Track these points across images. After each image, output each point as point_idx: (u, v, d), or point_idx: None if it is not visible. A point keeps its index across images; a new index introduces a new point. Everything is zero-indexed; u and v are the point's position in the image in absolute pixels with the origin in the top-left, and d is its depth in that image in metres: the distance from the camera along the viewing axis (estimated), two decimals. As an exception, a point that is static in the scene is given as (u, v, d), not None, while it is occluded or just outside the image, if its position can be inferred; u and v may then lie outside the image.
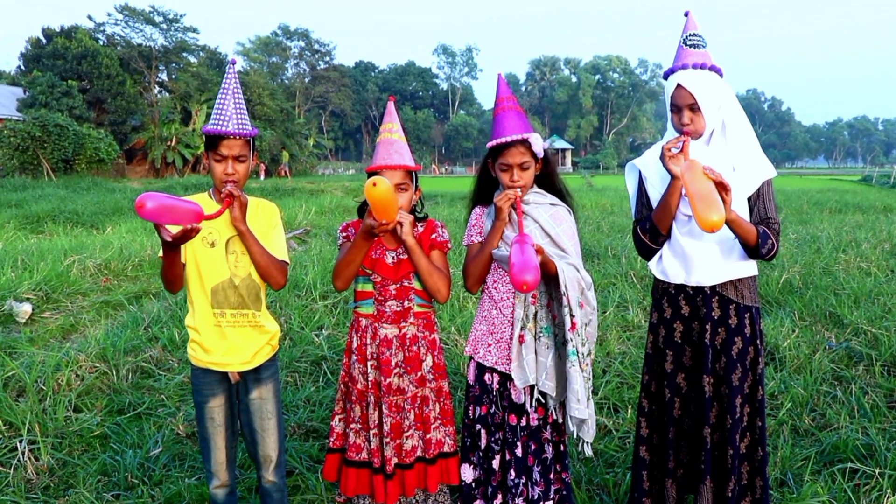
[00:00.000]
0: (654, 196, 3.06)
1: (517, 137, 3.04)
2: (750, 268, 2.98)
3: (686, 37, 2.90)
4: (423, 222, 3.23)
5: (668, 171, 2.81)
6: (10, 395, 4.92)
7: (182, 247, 2.86)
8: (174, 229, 2.63)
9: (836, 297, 7.68)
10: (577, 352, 3.04)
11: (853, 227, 14.55)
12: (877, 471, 3.88)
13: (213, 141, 2.88)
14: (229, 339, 2.99)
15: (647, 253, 3.09)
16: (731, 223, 2.76)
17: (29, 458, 4.12)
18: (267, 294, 3.14)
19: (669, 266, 3.02)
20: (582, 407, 3.03)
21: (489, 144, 3.13)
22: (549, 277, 3.08)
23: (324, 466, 3.33)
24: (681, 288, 3.01)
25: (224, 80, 2.93)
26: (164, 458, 4.19)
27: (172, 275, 2.88)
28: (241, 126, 2.88)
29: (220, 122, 2.85)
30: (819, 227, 14.56)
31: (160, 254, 2.82)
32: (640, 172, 3.16)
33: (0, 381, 5.08)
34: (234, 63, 3.01)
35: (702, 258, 2.93)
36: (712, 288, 2.95)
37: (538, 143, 3.08)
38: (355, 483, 3.18)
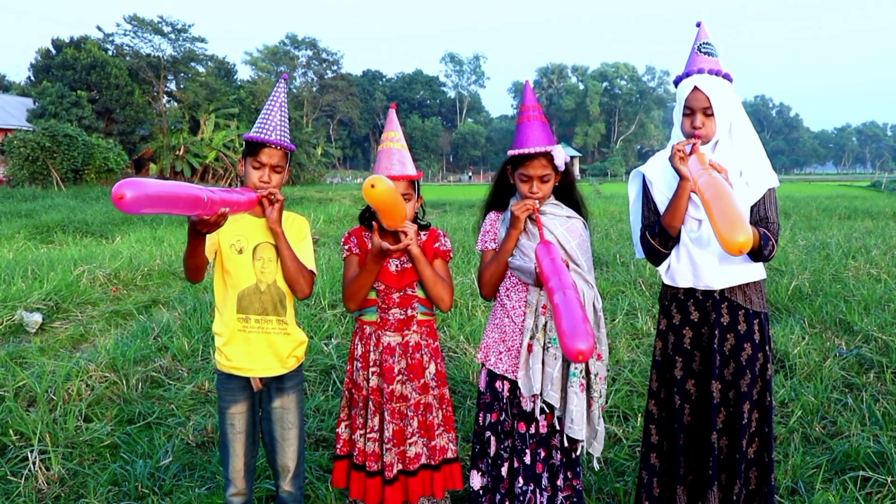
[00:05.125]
0: (661, 200, 3.07)
1: (540, 150, 3.03)
2: (758, 271, 2.99)
3: (700, 45, 2.95)
4: (426, 231, 3.25)
5: (678, 171, 2.82)
6: (21, 405, 4.94)
7: (209, 241, 2.90)
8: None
9: (846, 303, 7.65)
10: (580, 373, 3.05)
11: (863, 233, 14.50)
12: (889, 479, 3.86)
13: (254, 148, 2.96)
14: (253, 344, 3.02)
15: (657, 258, 3.09)
16: None
17: (40, 468, 4.12)
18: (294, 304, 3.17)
19: (678, 270, 3.02)
20: (577, 427, 3.04)
21: (511, 153, 3.12)
22: None
23: (333, 474, 3.34)
24: (690, 293, 3.02)
25: (273, 92, 3.06)
26: (174, 468, 4.19)
27: (194, 264, 2.91)
28: (283, 137, 2.98)
29: (264, 131, 2.95)
30: (828, 233, 14.52)
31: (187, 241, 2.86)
32: (643, 178, 3.17)
33: (11, 392, 5.10)
34: (285, 78, 3.16)
35: (709, 262, 2.94)
36: (721, 293, 2.96)
37: (560, 157, 3.07)
38: (360, 487, 3.19)
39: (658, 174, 3.10)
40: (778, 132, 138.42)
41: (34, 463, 4.15)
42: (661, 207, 3.05)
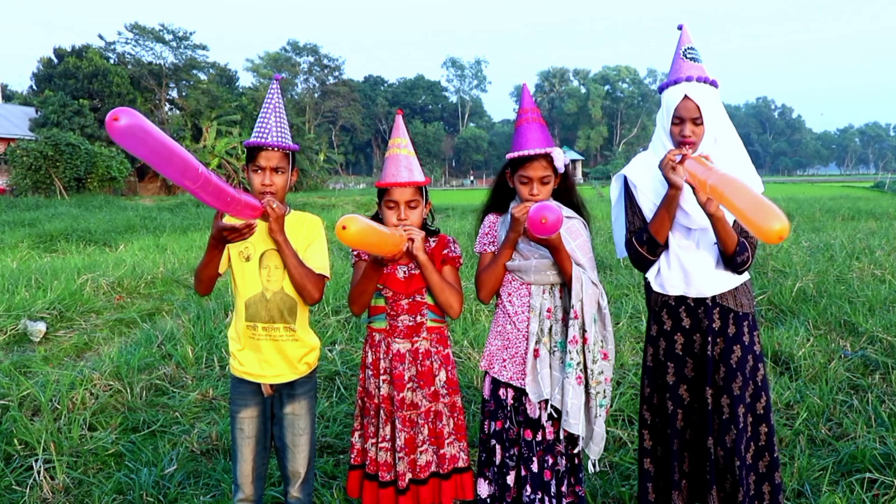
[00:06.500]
0: (647, 206, 3.06)
1: (540, 151, 3.02)
2: (745, 273, 3.00)
3: (685, 50, 2.93)
4: (435, 237, 3.22)
5: (669, 180, 2.81)
6: (26, 415, 4.94)
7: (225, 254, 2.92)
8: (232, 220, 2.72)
9: (850, 305, 7.63)
10: (576, 365, 3.03)
11: (866, 234, 14.46)
12: (895, 480, 3.85)
13: (253, 153, 2.96)
14: (262, 351, 3.02)
15: (644, 265, 3.08)
16: (718, 221, 2.78)
17: (45, 478, 4.13)
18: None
19: (668, 278, 3.02)
20: (572, 421, 3.02)
21: (510, 156, 3.11)
22: (564, 284, 3.10)
23: (347, 484, 3.32)
24: (681, 300, 3.01)
25: (267, 95, 3.03)
26: (178, 476, 4.19)
27: (208, 275, 2.91)
28: (281, 138, 2.96)
29: (261, 134, 2.94)
30: (832, 234, 14.49)
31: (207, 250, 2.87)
32: (626, 181, 3.16)
33: (15, 401, 5.10)
34: (278, 78, 3.13)
35: (700, 269, 2.94)
36: (713, 299, 2.96)
37: (560, 159, 3.06)
38: (374, 497, 3.18)
39: (643, 179, 3.09)
40: (780, 133, 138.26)
41: (39, 472, 4.15)
42: (647, 213, 3.04)
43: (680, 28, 2.98)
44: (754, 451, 3.02)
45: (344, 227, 2.47)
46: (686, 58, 2.91)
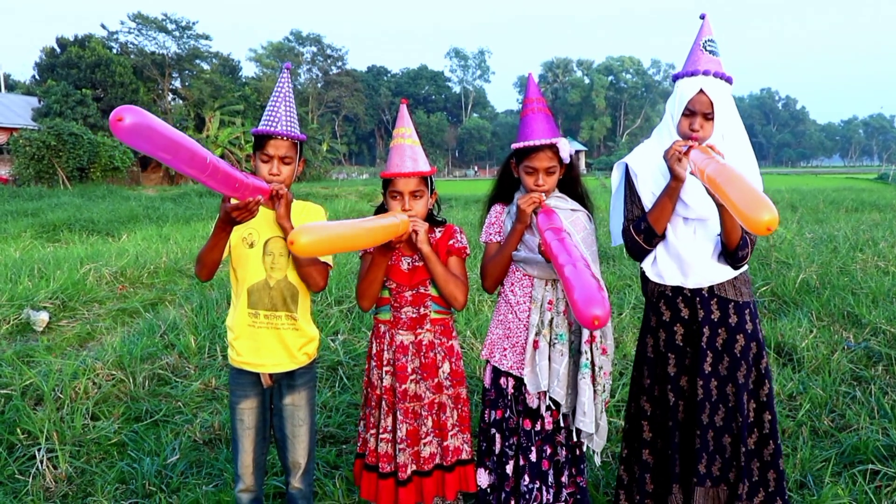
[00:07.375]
0: (647, 196, 3.04)
1: (545, 142, 3.01)
2: (742, 266, 2.99)
3: (705, 42, 2.89)
4: (442, 227, 3.21)
5: (672, 171, 2.79)
6: (29, 404, 4.94)
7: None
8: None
9: (853, 296, 7.61)
10: (590, 364, 3.03)
11: (870, 225, 14.41)
12: (898, 472, 3.84)
13: (261, 141, 2.94)
14: (262, 340, 3.01)
15: (640, 254, 3.07)
16: (726, 212, 2.76)
17: (47, 467, 4.13)
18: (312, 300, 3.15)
19: (665, 268, 3.00)
20: (587, 420, 3.02)
21: (515, 146, 3.09)
22: None
23: (354, 472, 3.34)
24: (678, 290, 3.00)
25: (277, 84, 3.02)
26: (181, 466, 4.20)
27: (212, 259, 2.89)
28: (289, 128, 2.94)
29: (270, 123, 2.92)
30: (836, 226, 14.44)
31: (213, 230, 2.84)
32: (627, 169, 3.13)
33: (18, 390, 5.10)
34: (288, 67, 3.08)
35: (698, 260, 2.93)
36: (709, 290, 2.95)
37: (565, 149, 3.04)
38: (371, 487, 3.18)
39: (644, 168, 3.07)
40: (784, 125, 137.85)
41: (42, 461, 4.16)
42: (647, 202, 3.03)
43: (702, 17, 2.94)
44: (758, 438, 3.01)
45: (292, 243, 2.26)
46: (705, 50, 2.87)
